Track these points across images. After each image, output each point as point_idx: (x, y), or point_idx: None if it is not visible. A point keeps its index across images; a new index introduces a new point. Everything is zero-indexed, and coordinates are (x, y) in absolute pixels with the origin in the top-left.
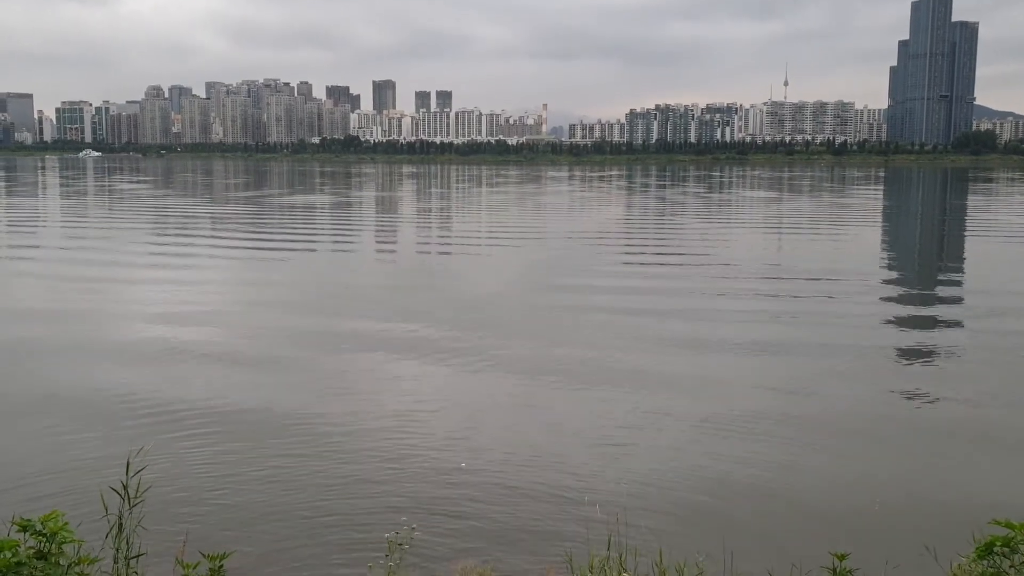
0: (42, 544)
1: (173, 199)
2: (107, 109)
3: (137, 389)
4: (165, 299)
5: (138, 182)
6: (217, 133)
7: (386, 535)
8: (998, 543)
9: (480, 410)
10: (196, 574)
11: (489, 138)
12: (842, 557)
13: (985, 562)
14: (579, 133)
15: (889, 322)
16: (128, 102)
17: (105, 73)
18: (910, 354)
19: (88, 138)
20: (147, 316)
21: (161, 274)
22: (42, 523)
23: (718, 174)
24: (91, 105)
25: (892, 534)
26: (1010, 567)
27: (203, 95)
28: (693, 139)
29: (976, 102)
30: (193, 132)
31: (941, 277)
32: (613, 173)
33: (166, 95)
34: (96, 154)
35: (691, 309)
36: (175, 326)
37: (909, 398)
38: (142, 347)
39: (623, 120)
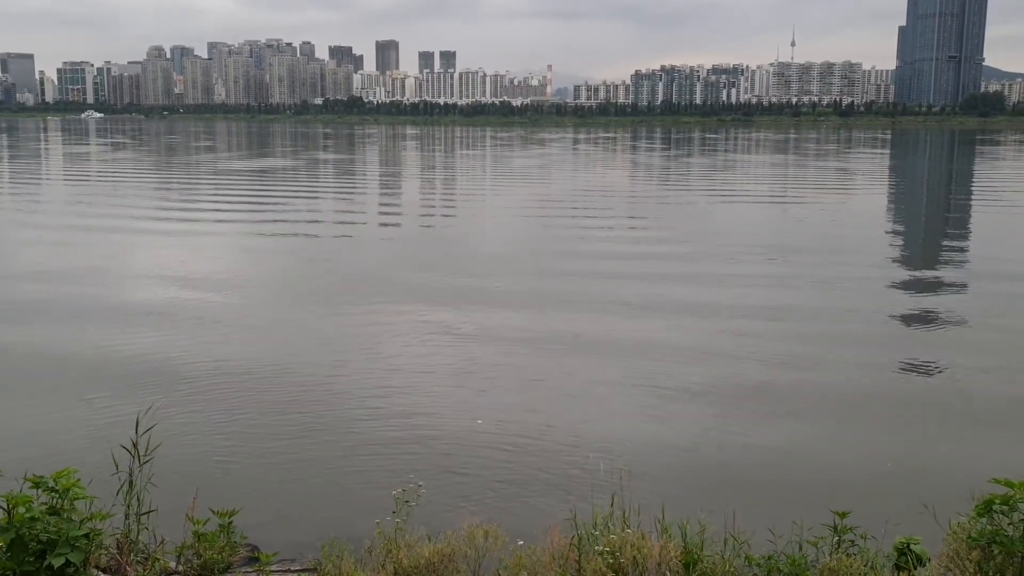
0: (55, 500)
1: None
2: (109, 70)
3: (145, 348)
4: (176, 261)
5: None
6: (220, 94)
7: (393, 492)
8: (997, 501)
9: (487, 373)
10: (206, 530)
11: (493, 99)
12: (843, 515)
13: (984, 520)
14: (584, 95)
15: (894, 287)
16: (130, 63)
17: (107, 33)
18: (917, 319)
19: (90, 99)
20: (154, 277)
21: (175, 240)
22: (54, 480)
23: (722, 137)
24: (92, 66)
25: (894, 494)
26: (1009, 524)
27: (205, 56)
28: (699, 101)
29: (985, 63)
30: (196, 93)
31: (946, 243)
32: (615, 136)
33: (168, 56)
34: (98, 115)
35: (695, 274)
36: (184, 288)
37: (916, 363)
38: (149, 308)
39: (628, 81)
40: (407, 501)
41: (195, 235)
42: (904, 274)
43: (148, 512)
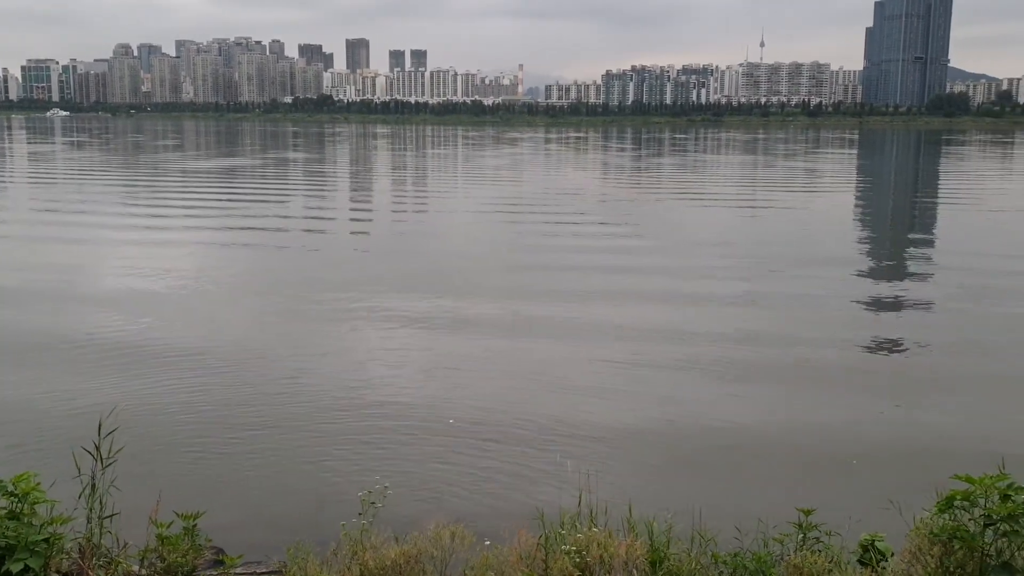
0: (14, 504)
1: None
2: (74, 68)
3: (111, 348)
4: (144, 259)
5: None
6: (188, 92)
7: (359, 493)
8: (958, 497)
9: (459, 373)
10: (170, 533)
11: (464, 98)
12: (808, 512)
13: (946, 515)
14: (555, 94)
15: (861, 282)
16: (96, 60)
17: (73, 31)
18: (883, 307)
19: (55, 97)
20: (124, 274)
21: (144, 235)
22: (14, 484)
23: (691, 137)
24: (58, 63)
25: (860, 489)
26: (970, 520)
27: (173, 54)
28: (669, 101)
29: (950, 64)
30: (163, 91)
31: (912, 236)
32: (586, 136)
33: (135, 54)
34: (64, 114)
35: (664, 267)
36: (145, 288)
37: (881, 352)
38: (116, 305)
39: (599, 81)
40: (373, 502)
41: (155, 234)
42: (870, 271)
43: (111, 515)
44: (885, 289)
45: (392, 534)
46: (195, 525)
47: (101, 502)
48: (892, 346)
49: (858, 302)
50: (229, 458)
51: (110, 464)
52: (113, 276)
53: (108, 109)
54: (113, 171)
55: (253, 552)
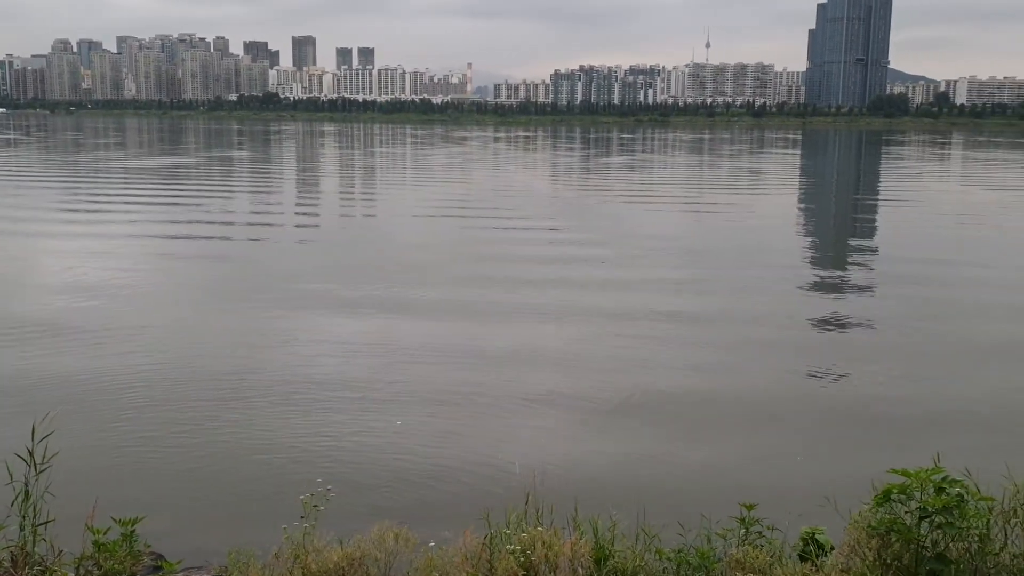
0: None
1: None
2: (11, 63)
3: (42, 352)
4: (77, 259)
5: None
6: (130, 89)
7: (301, 496)
8: (895, 490)
9: (403, 375)
10: (107, 539)
11: (413, 97)
12: (750, 507)
13: (883, 508)
14: (504, 93)
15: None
16: (34, 56)
17: (8, 25)
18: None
19: None
20: (56, 272)
21: (79, 229)
22: None
23: (639, 137)
24: None
25: (800, 487)
26: (906, 513)
27: (114, 50)
28: (617, 100)
29: (890, 66)
30: (104, 88)
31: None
32: (534, 135)
33: (75, 49)
34: (1, 110)
35: (605, 257)
36: (86, 286)
37: (825, 332)
38: (47, 307)
39: (548, 81)
40: (316, 505)
41: (90, 237)
42: (812, 263)
43: (45, 523)
44: (827, 281)
45: (335, 537)
46: (133, 531)
47: (35, 509)
48: (836, 326)
49: (800, 288)
50: (170, 461)
51: (44, 469)
52: (46, 275)
53: (46, 106)
54: (49, 170)
55: (193, 557)
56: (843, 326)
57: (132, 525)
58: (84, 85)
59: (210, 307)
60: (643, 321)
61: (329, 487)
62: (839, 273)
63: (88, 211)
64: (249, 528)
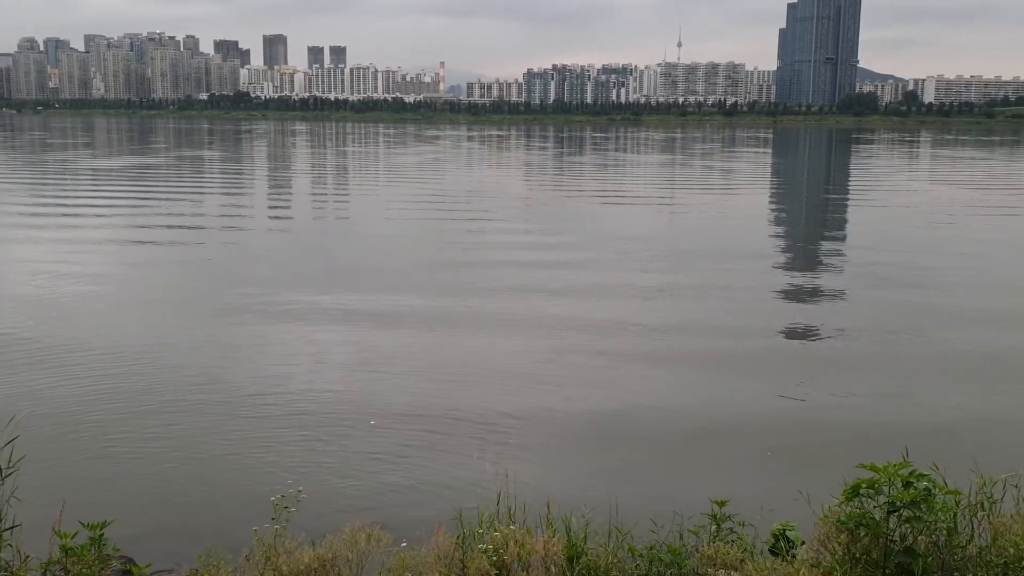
0: None
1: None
2: None
3: (10, 350)
4: (42, 260)
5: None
6: (98, 89)
7: (272, 498)
8: (864, 485)
9: (373, 369)
10: (74, 544)
11: (385, 95)
12: (722, 504)
13: (852, 503)
14: (477, 92)
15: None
16: None
17: None
18: (797, 297)
19: None
20: (21, 274)
21: (50, 234)
22: None
23: (611, 136)
24: None
25: (772, 481)
26: (875, 507)
27: (82, 48)
28: (590, 100)
29: (860, 65)
30: (72, 87)
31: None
32: (507, 134)
33: (41, 48)
34: None
35: (584, 260)
36: (56, 286)
37: (797, 341)
38: (18, 309)
39: (521, 80)
40: (287, 507)
41: (59, 237)
42: (783, 258)
43: (11, 528)
44: (799, 280)
45: (307, 538)
46: (102, 535)
47: (0, 514)
48: (807, 332)
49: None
50: (139, 464)
51: (10, 474)
52: (10, 277)
53: (13, 105)
54: (15, 170)
55: (164, 560)
56: (814, 333)
57: (101, 529)
58: (51, 84)
59: (178, 313)
60: (613, 330)
61: (300, 488)
62: (810, 274)
63: (53, 215)
64: (220, 531)
